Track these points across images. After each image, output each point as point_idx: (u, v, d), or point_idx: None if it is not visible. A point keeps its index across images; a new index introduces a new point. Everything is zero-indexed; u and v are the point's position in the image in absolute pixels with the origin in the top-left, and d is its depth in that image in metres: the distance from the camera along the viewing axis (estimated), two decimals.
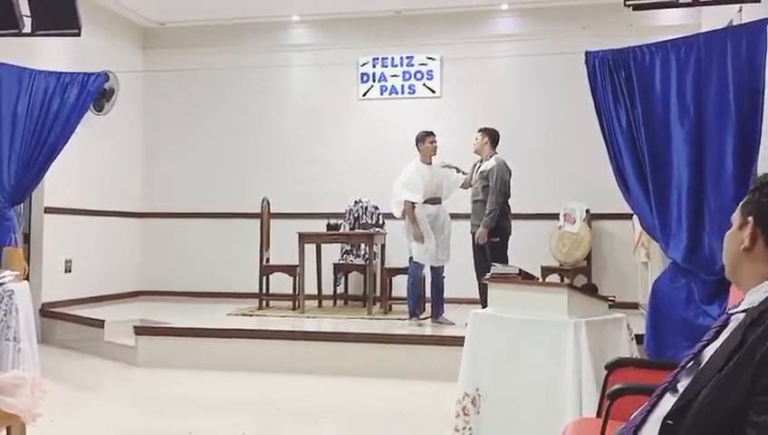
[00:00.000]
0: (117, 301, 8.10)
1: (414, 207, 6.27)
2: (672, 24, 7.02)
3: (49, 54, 6.86)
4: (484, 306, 4.72)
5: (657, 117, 4.23)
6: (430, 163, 6.42)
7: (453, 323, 6.27)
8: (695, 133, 4.15)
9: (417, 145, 6.44)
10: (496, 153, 6.17)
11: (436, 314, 6.43)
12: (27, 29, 6.31)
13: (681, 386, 1.48)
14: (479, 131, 6.27)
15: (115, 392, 5.60)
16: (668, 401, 1.47)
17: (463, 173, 6.44)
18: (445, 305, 6.53)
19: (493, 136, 6.21)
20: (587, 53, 4.39)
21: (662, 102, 4.23)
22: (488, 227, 5.96)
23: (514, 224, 6.18)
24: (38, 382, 3.25)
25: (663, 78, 4.23)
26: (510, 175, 6.10)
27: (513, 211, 6.18)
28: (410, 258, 6.44)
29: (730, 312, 1.52)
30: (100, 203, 8.01)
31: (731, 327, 1.47)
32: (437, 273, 6.46)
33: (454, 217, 6.54)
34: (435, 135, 6.44)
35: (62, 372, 5.60)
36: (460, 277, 6.51)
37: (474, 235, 6.12)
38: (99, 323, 6.55)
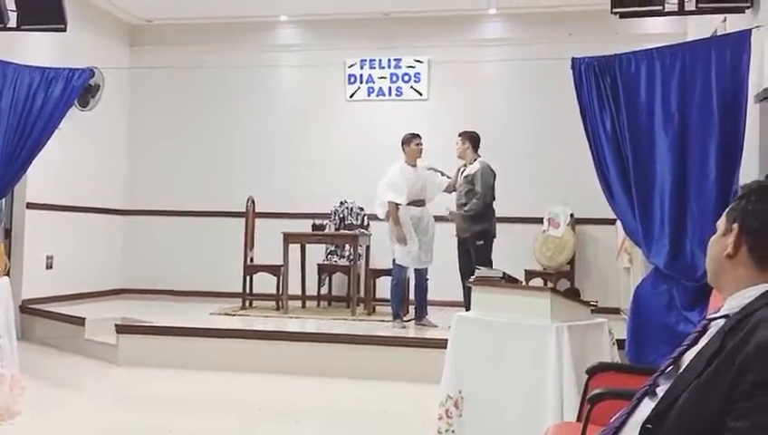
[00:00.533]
0: (98, 298, 8.03)
1: (398, 208, 6.28)
2: (658, 32, 7.08)
3: (34, 50, 6.80)
4: (468, 309, 4.74)
5: (641, 123, 4.27)
6: (415, 165, 6.43)
7: (436, 326, 6.28)
8: (678, 140, 4.20)
9: (402, 147, 6.45)
10: (479, 156, 6.19)
11: (420, 317, 6.44)
12: (12, 23, 6.27)
13: (660, 390, 1.49)
14: (459, 136, 6.28)
15: (95, 391, 5.55)
16: (647, 406, 1.48)
17: (447, 177, 6.45)
18: (429, 308, 6.54)
19: (473, 139, 6.22)
20: (573, 59, 4.42)
21: (647, 109, 4.27)
22: (465, 215, 5.95)
23: (499, 227, 6.19)
24: (17, 380, 3.22)
25: (648, 85, 4.27)
26: (494, 178, 6.12)
27: (497, 214, 6.19)
28: (394, 260, 6.45)
29: (710, 317, 1.54)
30: (83, 199, 7.94)
31: (710, 333, 1.48)
32: (421, 275, 6.47)
33: (438, 219, 6.55)
34: (420, 137, 6.45)
35: (42, 369, 5.55)
36: (444, 280, 6.52)
37: (459, 238, 6.14)
38: (79, 321, 6.50)
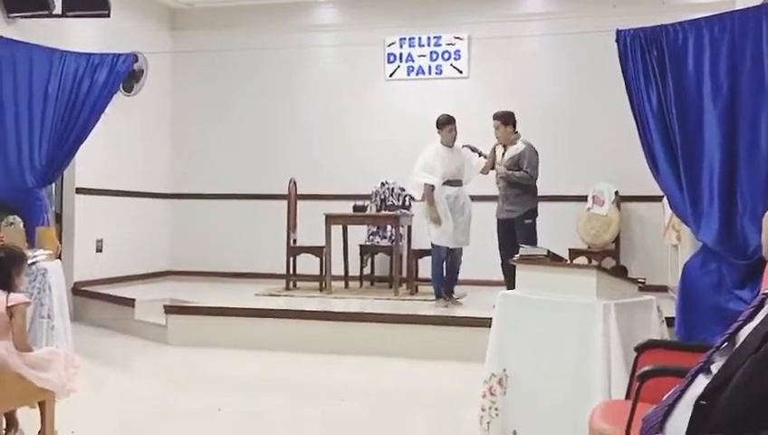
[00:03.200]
0: (147, 280, 8.20)
1: (433, 189, 6.27)
2: (705, 1, 6.87)
3: (79, 36, 6.92)
4: (509, 288, 4.71)
5: (689, 96, 4.16)
6: (451, 146, 6.39)
7: (461, 304, 6.35)
8: (728, 114, 4.08)
9: (437, 129, 6.41)
10: (520, 135, 6.10)
11: (447, 293, 6.44)
12: (58, 11, 6.39)
13: (715, 367, 1.47)
14: (495, 119, 6.11)
15: (146, 370, 5.69)
16: (702, 383, 1.46)
17: (484, 156, 6.39)
18: (464, 287, 6.57)
19: (510, 119, 6.11)
20: (618, 32, 4.32)
21: (694, 82, 4.16)
22: (510, 180, 5.93)
23: (542, 205, 6.13)
24: (71, 358, 3.32)
25: (696, 57, 4.15)
26: (538, 156, 6.04)
27: (540, 193, 6.13)
28: (431, 241, 6.45)
29: (766, 292, 1.50)
30: (130, 184, 8.10)
31: (767, 308, 1.45)
32: (455, 255, 6.45)
33: (475, 199, 6.52)
34: (455, 121, 6.36)
35: (94, 349, 5.70)
36: (479, 259, 6.53)
37: (501, 220, 6.09)
38: (130, 302, 6.65)
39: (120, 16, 6.99)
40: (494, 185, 6.21)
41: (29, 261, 4.56)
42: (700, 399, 1.39)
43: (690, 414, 1.40)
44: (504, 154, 6.14)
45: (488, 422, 3.46)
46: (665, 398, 1.57)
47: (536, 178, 6.01)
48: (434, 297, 6.45)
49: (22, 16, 6.37)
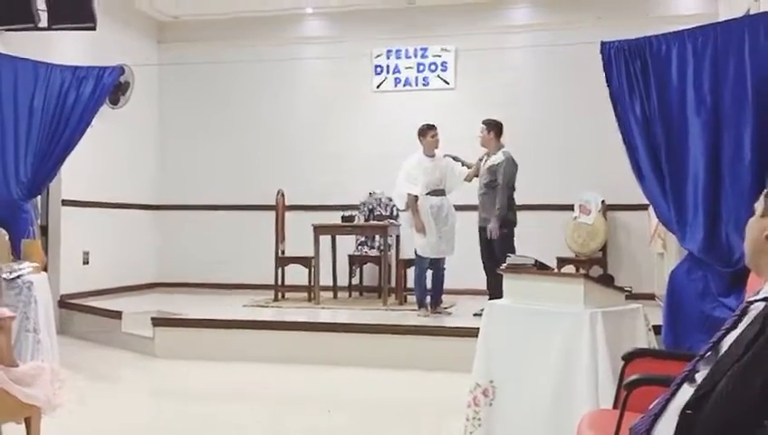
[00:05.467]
0: (134, 292, 8.16)
1: (416, 199, 6.29)
2: (688, 13, 6.96)
3: (65, 49, 6.90)
4: (492, 297, 4.72)
5: (673, 107, 4.20)
6: (433, 155, 6.43)
7: (450, 314, 6.39)
8: (711, 124, 4.12)
9: (419, 138, 6.47)
10: (503, 146, 6.17)
11: (435, 305, 6.47)
12: (43, 23, 6.36)
13: (699, 376, 1.48)
14: (483, 124, 6.26)
15: (133, 383, 5.65)
16: (687, 392, 1.47)
17: (467, 166, 6.45)
18: (449, 296, 6.61)
19: (497, 128, 6.21)
20: (602, 43, 4.35)
21: (678, 92, 4.19)
22: (500, 220, 5.97)
23: (529, 214, 6.20)
24: (57, 373, 3.28)
25: (679, 68, 4.19)
26: (516, 169, 6.11)
27: (528, 202, 6.18)
28: (415, 250, 6.48)
29: (750, 300, 1.51)
30: (117, 196, 8.06)
31: (750, 316, 1.46)
32: (438, 265, 6.47)
33: (459, 208, 6.56)
34: (436, 128, 6.44)
35: (81, 362, 5.66)
36: (463, 269, 6.57)
37: (482, 228, 6.14)
38: (116, 315, 6.61)
39: (107, 29, 6.97)
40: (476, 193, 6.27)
41: (14, 274, 4.54)
42: (685, 408, 1.40)
43: (676, 423, 1.41)
44: (485, 162, 6.22)
45: (471, 432, 3.46)
46: (651, 406, 1.58)
47: (512, 192, 6.07)
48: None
49: (7, 29, 6.33)
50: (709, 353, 1.52)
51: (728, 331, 1.51)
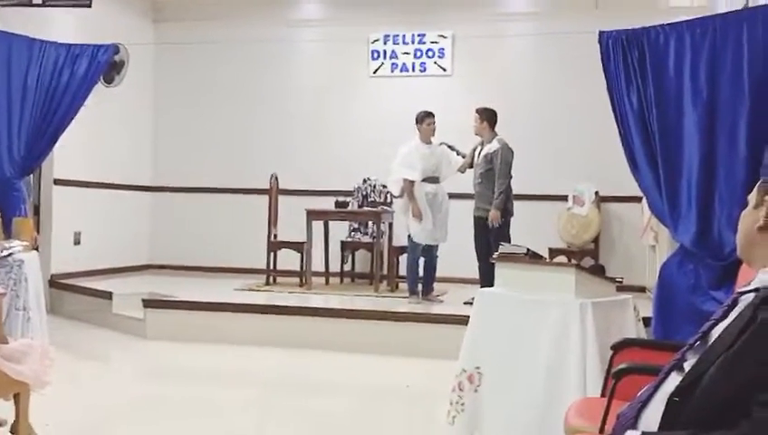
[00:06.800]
0: (125, 274, 8.14)
1: (413, 184, 6.28)
2: (688, 4, 6.93)
3: (59, 26, 6.85)
4: (484, 286, 4.73)
5: (669, 98, 4.18)
6: (430, 143, 6.43)
7: (442, 301, 6.41)
8: (707, 116, 4.11)
9: (416, 125, 6.45)
10: (497, 134, 6.15)
11: (427, 292, 6.47)
12: (38, 0, 6.31)
13: (688, 365, 1.48)
14: (477, 113, 6.23)
15: (122, 363, 5.65)
16: (675, 380, 1.47)
17: (462, 155, 6.44)
18: (441, 284, 6.62)
19: (491, 116, 6.18)
20: (600, 33, 4.33)
21: (675, 84, 4.18)
22: (499, 208, 5.96)
23: (523, 204, 6.18)
24: (46, 351, 3.28)
25: (677, 59, 4.17)
26: (512, 156, 6.09)
27: (522, 191, 6.17)
28: (409, 236, 6.47)
29: (740, 291, 1.52)
30: (110, 176, 8.03)
31: (740, 307, 1.47)
32: (432, 252, 6.48)
33: (452, 196, 6.55)
34: (433, 116, 6.44)
35: (71, 342, 5.65)
36: (456, 257, 6.57)
37: (477, 217, 6.13)
38: (107, 296, 6.59)
39: (102, 6, 6.92)
40: (471, 182, 6.26)
41: (5, 252, 4.52)
42: (673, 395, 1.40)
43: (663, 410, 1.41)
44: (480, 152, 6.20)
45: (454, 417, 3.48)
46: (639, 394, 1.59)
47: (509, 177, 6.04)
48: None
49: (1, 5, 6.28)
50: (698, 343, 1.53)
51: (718, 321, 1.51)
